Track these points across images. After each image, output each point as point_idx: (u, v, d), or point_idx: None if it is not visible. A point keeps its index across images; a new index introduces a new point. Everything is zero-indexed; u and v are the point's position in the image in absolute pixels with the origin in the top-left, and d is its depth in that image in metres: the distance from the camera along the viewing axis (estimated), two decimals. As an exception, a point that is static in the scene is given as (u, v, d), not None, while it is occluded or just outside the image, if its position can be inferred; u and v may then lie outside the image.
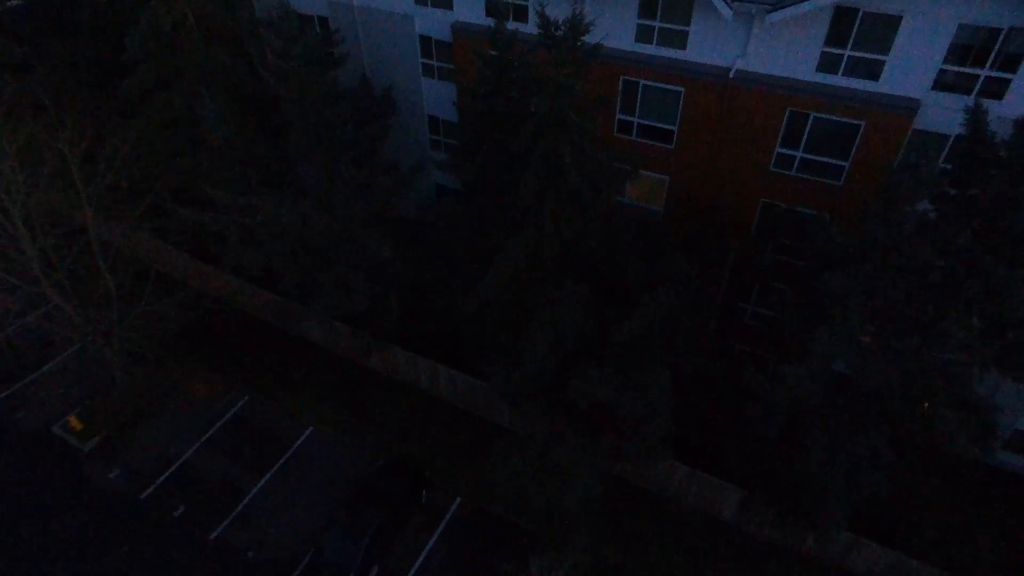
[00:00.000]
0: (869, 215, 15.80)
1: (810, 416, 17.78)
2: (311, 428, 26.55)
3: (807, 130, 19.83)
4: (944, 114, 18.13)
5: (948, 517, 20.95)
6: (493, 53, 19.15)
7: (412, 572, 22.11)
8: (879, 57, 18.18)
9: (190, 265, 30.95)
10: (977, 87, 17.57)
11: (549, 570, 17.37)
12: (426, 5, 24.23)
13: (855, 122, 19.05)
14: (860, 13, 17.70)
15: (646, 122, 22.33)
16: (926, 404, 16.60)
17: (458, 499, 24.16)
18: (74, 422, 25.86)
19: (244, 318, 31.13)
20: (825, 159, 20.16)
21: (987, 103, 16.17)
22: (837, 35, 18.32)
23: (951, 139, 18.39)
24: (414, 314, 26.00)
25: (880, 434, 17.65)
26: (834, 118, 19.22)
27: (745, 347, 23.80)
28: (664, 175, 23.10)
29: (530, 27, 21.44)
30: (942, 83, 17.98)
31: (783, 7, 17.86)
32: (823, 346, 16.04)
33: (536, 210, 19.21)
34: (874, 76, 18.54)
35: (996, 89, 17.44)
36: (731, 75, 19.92)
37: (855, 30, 18.02)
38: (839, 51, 18.53)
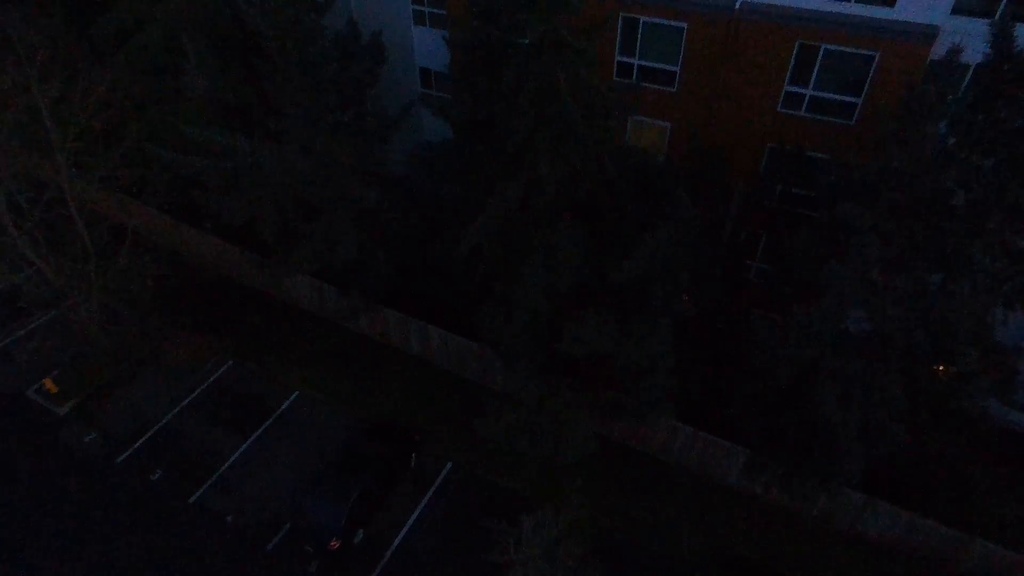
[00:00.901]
0: (886, 138, 14.68)
1: (821, 363, 16.64)
2: (296, 393, 25.44)
3: (817, 65, 18.72)
4: (964, 41, 16.99)
5: (965, 478, 19.80)
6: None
7: (400, 537, 20.99)
8: (894, -19, 17.12)
9: (168, 225, 29.84)
10: (1000, 9, 16.46)
11: (542, 528, 16.24)
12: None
13: (869, 53, 17.94)
14: (875, -68, 16.66)
15: (647, 64, 21.22)
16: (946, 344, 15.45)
17: (449, 464, 23.04)
18: (49, 385, 24.74)
19: (230, 283, 30.06)
20: (836, 96, 19.05)
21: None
22: (849, -41, 17.28)
23: (972, 69, 17.27)
24: (404, 273, 24.88)
25: (895, 383, 16.53)
26: (846, 50, 18.12)
27: (751, 299, 22.62)
28: (666, 122, 22.00)
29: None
30: (962, 7, 16.87)
31: (792, -73, 16.81)
32: (837, 281, 14.91)
33: (530, 146, 18.08)
34: (888, 2, 17.43)
35: (1021, 12, 16.33)
36: (736, 6, 18.83)
37: (869, -48, 16.99)
38: (852, -24, 17.49)
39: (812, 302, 15.86)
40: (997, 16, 16.39)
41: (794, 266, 17.20)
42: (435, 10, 24.22)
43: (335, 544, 19.65)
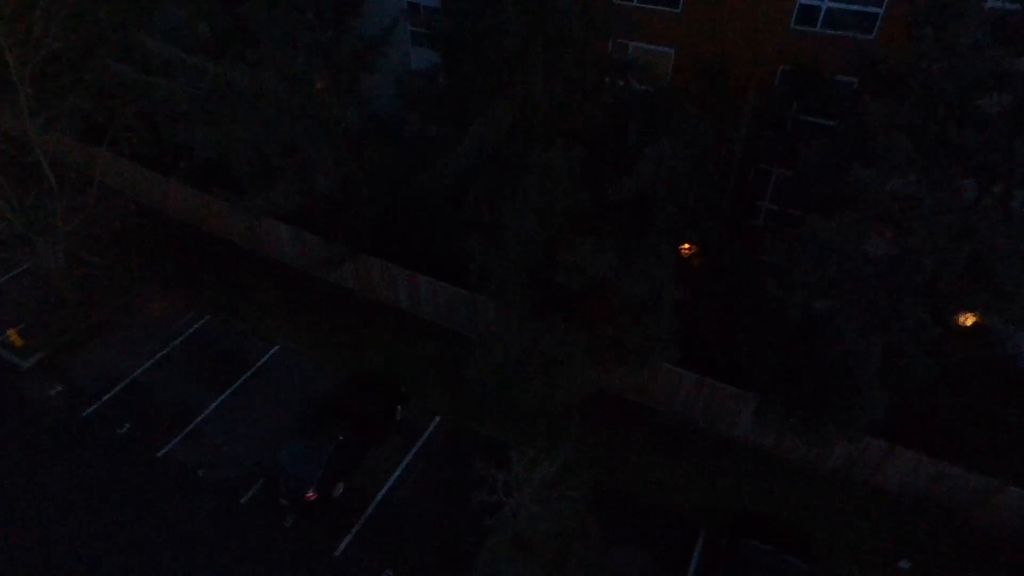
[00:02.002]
0: (917, 20, 13.16)
1: (842, 287, 15.11)
2: (277, 347, 23.99)
3: (835, -29, 17.23)
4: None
5: (995, 423, 18.30)
6: None
7: (383, 491, 19.52)
8: None
9: (137, 173, 28.43)
10: None
11: (534, 464, 14.77)
12: None
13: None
14: None
15: (648, -18, 19.76)
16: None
17: (437, 418, 21.57)
18: (13, 337, 23.27)
19: (210, 239, 28.64)
20: (856, 7, 17.52)
21: None
22: None
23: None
24: (390, 218, 23.39)
25: (923, 309, 15.01)
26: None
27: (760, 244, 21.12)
28: (669, 48, 20.49)
29: None
30: None
31: None
32: (861, 188, 13.39)
33: (523, 60, 16.58)
34: None
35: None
36: (746, -91, 17.37)
37: None
38: None
39: (833, 216, 14.35)
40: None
41: (811, 182, 15.65)
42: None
43: (312, 496, 18.16)
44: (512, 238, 17.13)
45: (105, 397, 22.12)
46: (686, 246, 22.13)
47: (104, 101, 21.30)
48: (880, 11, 17.29)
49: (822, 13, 17.95)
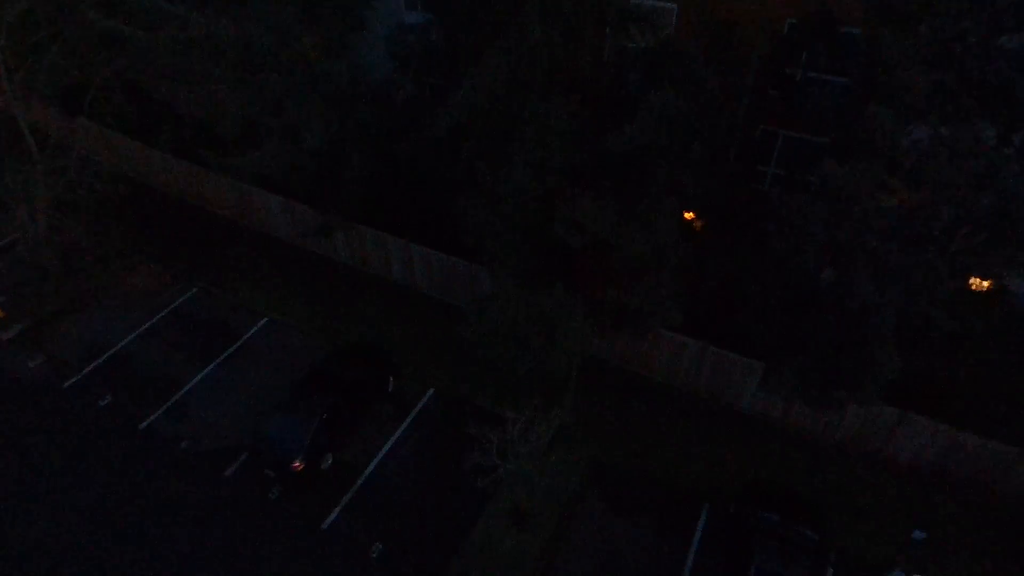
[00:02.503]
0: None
1: (856, 240, 14.31)
2: (266, 319, 23.21)
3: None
4: None
5: (1014, 392, 17.50)
6: None
7: (374, 463, 18.73)
8: None
9: (124, 147, 27.70)
10: None
11: (530, 424, 13.98)
12: None
13: None
14: None
15: (651, -67, 18.97)
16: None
17: (431, 390, 20.78)
18: (-7, 308, 22.52)
19: (199, 213, 27.83)
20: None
21: None
22: None
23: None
24: (382, 186, 22.56)
25: (940, 263, 14.22)
26: None
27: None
28: (671, 3, 19.70)
29: None
30: None
31: None
32: (878, 129, 12.60)
33: (520, 6, 15.80)
34: None
35: None
36: None
37: None
38: None
39: (846, 163, 13.56)
40: None
41: (824, 126, 14.85)
42: None
43: (298, 466, 17.38)
44: (508, 195, 16.34)
45: (86, 369, 21.34)
46: (690, 214, 21.46)
47: (83, 58, 20.45)
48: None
49: (833, -41, 17.16)
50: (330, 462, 18.53)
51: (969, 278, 15.47)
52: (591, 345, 16.84)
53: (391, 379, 20.47)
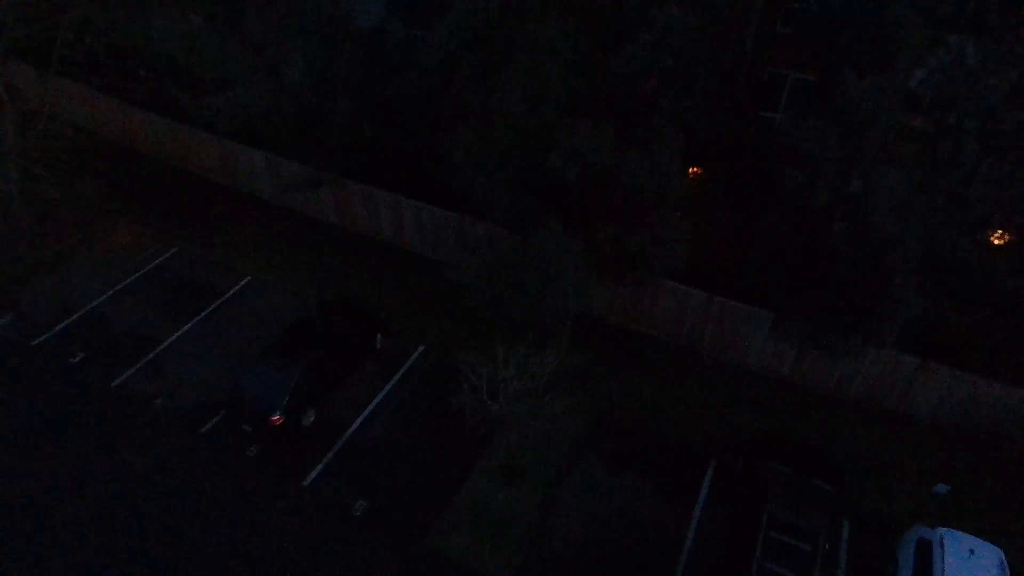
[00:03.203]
0: None
1: (874, 167, 13.27)
2: (249, 278, 22.11)
3: None
4: None
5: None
6: None
7: (359, 420, 17.65)
8: None
9: (101, 105, 26.66)
10: None
11: (523, 362, 12.89)
12: None
13: None
14: None
15: None
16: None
17: (421, 347, 19.70)
18: (-39, 265, 21.42)
19: (182, 174, 26.72)
20: None
21: None
22: None
23: None
24: (370, 143, 21.46)
25: (961, 184, 13.20)
26: None
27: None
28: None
29: None
30: None
31: None
32: (899, 24, 11.55)
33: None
34: None
35: None
36: None
37: None
38: None
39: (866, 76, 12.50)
40: None
41: (838, 49, 13.79)
42: None
43: (277, 421, 16.30)
44: (501, 126, 15.29)
45: (58, 327, 20.23)
46: (695, 169, 20.41)
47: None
48: None
49: None
50: (312, 419, 17.45)
51: (995, 213, 14.40)
52: (590, 293, 15.72)
53: (378, 336, 19.39)
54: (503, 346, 12.65)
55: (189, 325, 20.38)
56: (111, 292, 21.51)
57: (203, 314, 20.76)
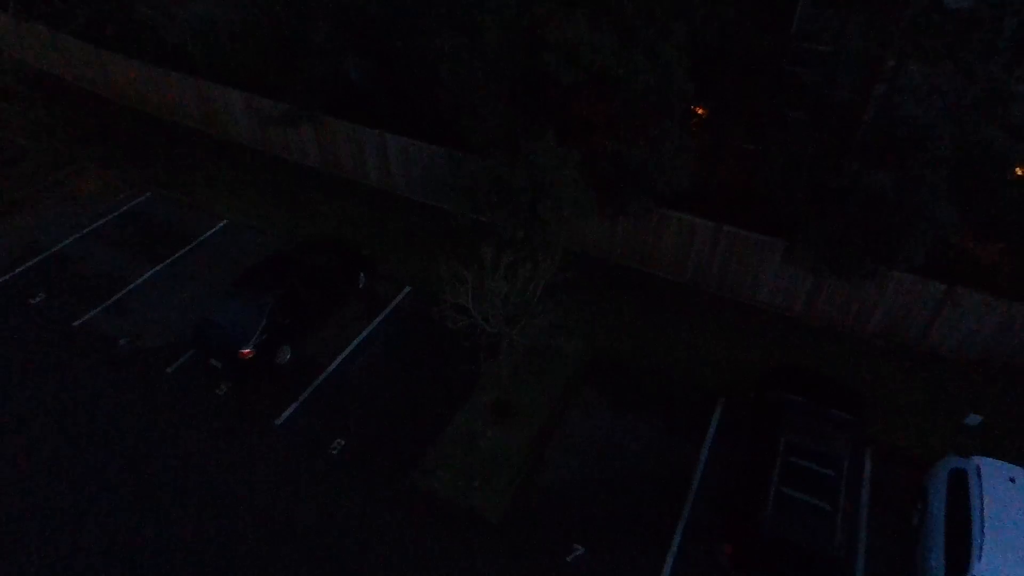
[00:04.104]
0: None
1: (904, 45, 11.94)
2: (225, 221, 20.81)
3: None
4: None
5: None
6: None
7: (339, 360, 16.35)
8: None
9: (73, 50, 25.38)
10: None
11: (514, 271, 11.58)
12: None
13: None
14: None
15: None
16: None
17: (408, 288, 18.39)
18: (-83, 206, 20.12)
19: (160, 122, 25.41)
20: None
21: None
22: None
23: None
24: (352, 72, 20.17)
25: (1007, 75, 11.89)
26: None
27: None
28: None
29: None
30: None
31: None
32: None
33: None
34: None
35: None
36: None
37: None
38: None
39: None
40: None
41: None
42: None
43: (248, 354, 14.96)
44: (490, 26, 13.97)
45: (18, 269, 18.94)
46: (699, 109, 19.11)
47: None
48: None
49: None
50: (288, 357, 16.14)
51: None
52: (587, 207, 14.40)
53: (362, 275, 18.08)
54: (491, 250, 11.29)
55: (159, 267, 19.07)
56: (78, 235, 20.21)
57: (174, 256, 19.46)
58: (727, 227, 16.50)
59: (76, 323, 17.28)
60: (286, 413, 15.05)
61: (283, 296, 15.72)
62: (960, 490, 11.76)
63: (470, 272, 11.43)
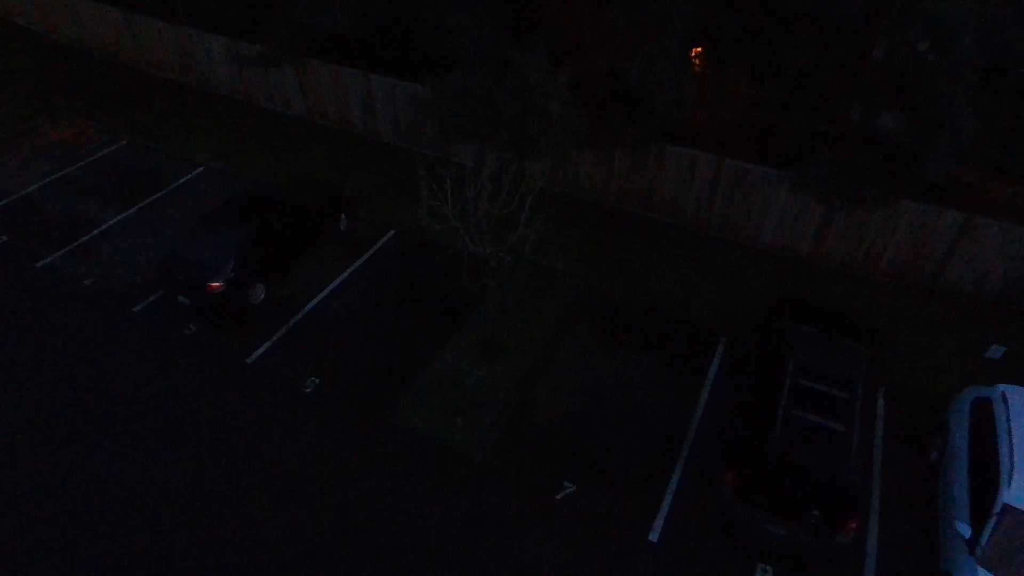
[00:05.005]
0: None
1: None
2: (203, 168, 19.84)
3: None
4: None
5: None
6: None
7: (316, 301, 15.37)
8: None
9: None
10: None
11: (499, 172, 10.59)
12: None
13: None
14: None
15: None
16: None
17: (392, 231, 17.43)
18: None
19: (139, 74, 24.48)
20: None
21: None
22: None
23: None
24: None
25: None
26: None
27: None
28: None
29: None
30: None
31: None
32: None
33: None
34: None
35: None
36: None
37: None
38: None
39: None
40: None
41: None
42: None
43: (217, 287, 13.99)
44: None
45: (-18, 212, 18.02)
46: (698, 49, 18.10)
47: None
48: None
49: None
50: (262, 296, 15.17)
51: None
52: (580, 125, 13.40)
53: (343, 217, 17.11)
54: (472, 150, 10.29)
55: (131, 211, 18.12)
56: (48, 180, 19.28)
57: (147, 200, 18.51)
58: (730, 160, 15.51)
59: (40, 264, 16.33)
60: (258, 352, 14.07)
61: (256, 230, 14.74)
62: (985, 419, 10.78)
63: (448, 172, 10.39)
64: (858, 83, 12.30)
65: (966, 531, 9.51)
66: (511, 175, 10.58)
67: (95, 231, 17.36)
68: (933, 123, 11.63)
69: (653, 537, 10.79)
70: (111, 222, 17.68)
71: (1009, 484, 9.53)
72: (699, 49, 18.08)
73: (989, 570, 9.09)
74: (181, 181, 19.26)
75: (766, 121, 14.83)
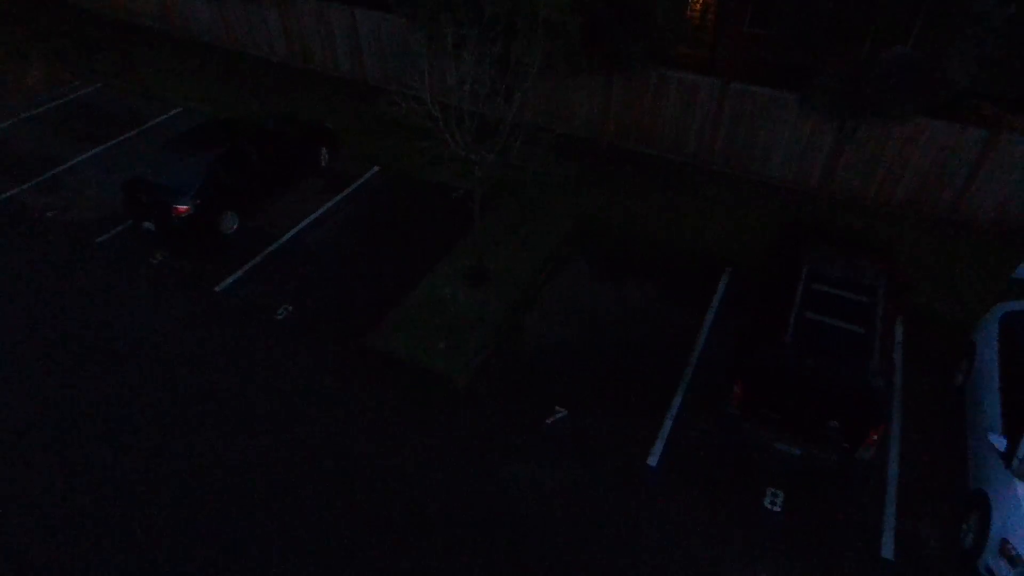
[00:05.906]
0: None
1: None
2: (179, 109, 18.87)
3: None
4: None
5: None
6: None
7: (292, 232, 14.39)
8: None
9: None
10: None
11: (483, 55, 9.59)
12: None
13: None
14: None
15: None
16: None
17: (376, 167, 16.46)
18: None
19: (115, 23, 23.52)
20: None
21: None
22: None
23: None
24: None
25: None
26: None
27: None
28: None
29: None
30: None
31: None
32: None
33: None
34: None
35: None
36: None
37: None
38: None
39: None
40: None
41: None
42: None
43: (184, 210, 13.01)
44: None
45: (-58, 149, 17.05)
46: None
47: None
48: None
49: None
50: (235, 226, 14.19)
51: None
52: (576, 51, 12.42)
53: (324, 151, 16.13)
54: (451, 27, 9.28)
55: (100, 148, 17.14)
56: (16, 120, 18.29)
57: (119, 139, 17.53)
58: (735, 84, 14.54)
59: (1, 197, 15.35)
60: (228, 280, 13.08)
61: (227, 155, 13.74)
62: (1016, 332, 9.83)
63: (430, 46, 9.39)
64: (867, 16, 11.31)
65: (1001, 444, 8.54)
66: (494, 57, 9.57)
67: (61, 167, 16.38)
68: (960, 15, 10.64)
69: (652, 462, 9.81)
70: (78, 158, 16.70)
71: (1048, 391, 8.58)
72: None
73: (1028, 480, 8.14)
74: (155, 120, 18.29)
75: (770, 62, 13.81)
